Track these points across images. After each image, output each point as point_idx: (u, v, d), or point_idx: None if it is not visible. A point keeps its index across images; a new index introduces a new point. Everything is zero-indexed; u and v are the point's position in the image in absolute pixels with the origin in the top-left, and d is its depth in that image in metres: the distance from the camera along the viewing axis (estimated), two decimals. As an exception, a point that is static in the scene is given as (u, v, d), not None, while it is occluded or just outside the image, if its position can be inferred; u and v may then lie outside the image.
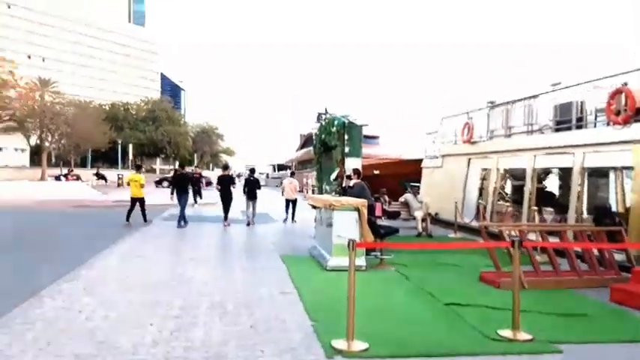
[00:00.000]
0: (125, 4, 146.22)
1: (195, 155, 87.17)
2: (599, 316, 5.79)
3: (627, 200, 10.80)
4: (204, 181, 17.77)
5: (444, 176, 16.52)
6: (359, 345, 4.41)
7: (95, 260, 8.40)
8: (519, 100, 13.01)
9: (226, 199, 14.58)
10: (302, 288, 6.63)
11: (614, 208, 11.68)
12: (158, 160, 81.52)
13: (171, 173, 20.26)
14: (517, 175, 14.46)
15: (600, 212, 10.92)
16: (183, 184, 14.27)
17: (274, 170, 77.17)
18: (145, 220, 14.16)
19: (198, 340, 4.55)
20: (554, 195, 14.80)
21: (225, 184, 14.72)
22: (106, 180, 43.71)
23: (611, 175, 11.73)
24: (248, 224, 14.45)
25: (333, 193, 10.66)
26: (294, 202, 16.21)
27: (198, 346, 4.40)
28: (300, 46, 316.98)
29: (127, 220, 13.86)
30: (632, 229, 8.72)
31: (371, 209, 8.57)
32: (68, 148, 48.48)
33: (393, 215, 12.92)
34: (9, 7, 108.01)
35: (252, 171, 16.78)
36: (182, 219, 13.76)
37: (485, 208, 12.94)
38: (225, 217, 14.42)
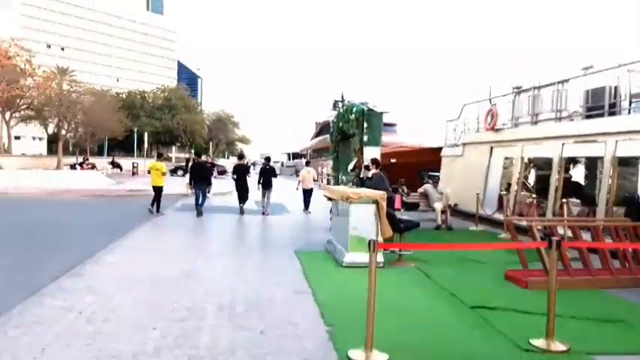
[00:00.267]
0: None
1: (211, 143, 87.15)
2: (639, 323, 5.28)
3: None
4: (216, 170, 17.10)
5: (465, 165, 15.93)
6: (379, 356, 4.00)
7: (102, 254, 8.11)
8: (547, 86, 12.33)
9: (242, 189, 14.40)
10: (317, 287, 6.23)
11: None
12: (174, 149, 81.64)
13: (185, 162, 19.75)
14: (542, 165, 13.84)
15: (632, 205, 10.28)
16: (201, 174, 14.01)
17: (289, 159, 76.91)
18: (158, 210, 13.87)
19: (204, 348, 4.18)
20: (581, 185, 14.16)
21: (241, 173, 14.56)
22: (121, 168, 43.81)
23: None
24: (263, 214, 14.31)
25: (350, 184, 10.21)
26: (310, 191, 16.10)
27: (203, 355, 4.03)
28: (318, 37, 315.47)
29: (157, 210, 13.71)
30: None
31: (390, 201, 8.12)
32: (84, 136, 48.65)
33: (412, 207, 12.44)
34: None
35: (268, 159, 16.57)
36: (199, 207, 13.57)
37: (508, 199, 12.34)
38: (242, 208, 14.36)
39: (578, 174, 14.94)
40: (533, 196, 12.05)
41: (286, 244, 9.77)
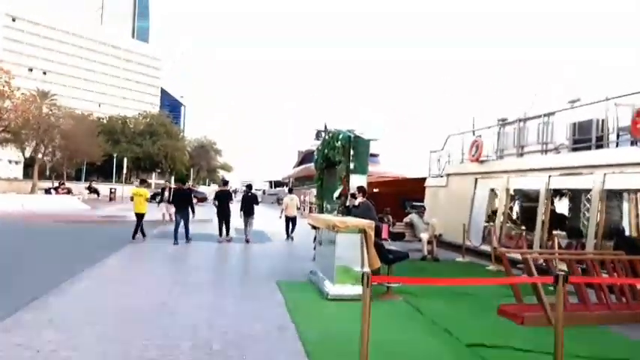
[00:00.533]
0: (130, 20, 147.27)
1: (192, 170, 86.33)
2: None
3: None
4: (193, 197, 16.55)
5: (449, 196, 15.75)
6: (372, 405, 3.58)
7: (68, 284, 7.53)
8: (533, 118, 12.30)
9: (224, 215, 14.33)
10: (301, 323, 5.78)
11: (634, 233, 10.94)
12: (154, 175, 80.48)
13: (161, 190, 19.11)
14: (528, 197, 13.71)
15: (620, 237, 10.12)
16: (184, 201, 13.84)
17: (271, 187, 76.41)
18: (134, 237, 13.40)
19: (175, 394, 3.71)
20: (565, 217, 14.05)
21: (224, 199, 14.49)
22: (98, 194, 42.76)
23: (633, 198, 10.98)
24: (247, 241, 14.17)
25: (335, 212, 9.85)
26: (294, 219, 16.02)
27: (173, 403, 3.56)
28: (299, 62, 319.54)
29: (143, 235, 13.61)
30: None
31: (377, 231, 7.76)
32: (61, 160, 47.57)
33: (398, 237, 12.10)
34: (13, 20, 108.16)
35: (250, 187, 16.35)
36: (184, 235, 13.51)
37: (495, 230, 12.10)
38: (224, 233, 14.41)
39: (561, 206, 14.86)
40: (522, 228, 11.82)
41: (268, 274, 9.30)
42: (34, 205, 23.75)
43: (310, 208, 28.40)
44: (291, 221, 15.93)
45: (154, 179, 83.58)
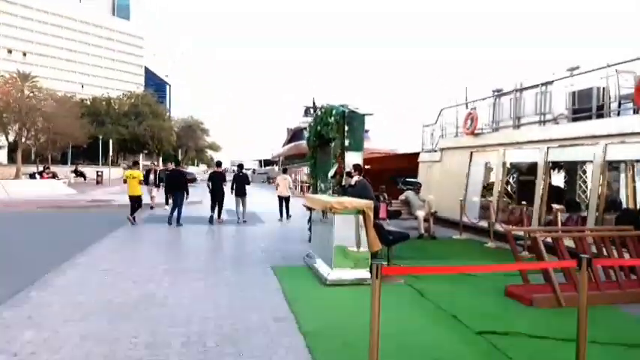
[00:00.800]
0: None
1: (180, 150, 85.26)
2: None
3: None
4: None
5: (443, 171, 15.45)
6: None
7: (51, 276, 7.12)
8: (530, 88, 11.91)
9: (218, 197, 14.31)
10: (300, 311, 5.45)
11: (634, 206, 10.72)
12: (141, 156, 79.30)
13: (146, 172, 18.63)
14: (526, 169, 13.42)
15: (625, 212, 9.88)
16: (178, 183, 13.82)
17: (260, 166, 75.76)
18: (134, 220, 13.44)
19: (166, 402, 3.36)
20: (562, 190, 13.83)
21: (217, 180, 14.45)
22: (85, 177, 41.96)
23: (633, 169, 10.72)
24: (238, 221, 14.19)
25: (329, 192, 9.47)
26: (287, 199, 15.93)
27: (164, 412, 3.21)
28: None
29: (132, 217, 13.39)
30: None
31: (375, 211, 7.41)
32: (45, 144, 46.43)
33: (394, 215, 11.78)
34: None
35: (241, 167, 16.29)
36: (176, 218, 13.35)
37: (493, 206, 11.83)
38: (219, 215, 14.35)
39: (556, 179, 14.60)
40: (523, 202, 11.55)
41: (262, 258, 8.96)
42: (17, 191, 23.06)
43: (302, 187, 28.01)
44: (284, 201, 15.87)
45: (141, 160, 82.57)
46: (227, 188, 14.77)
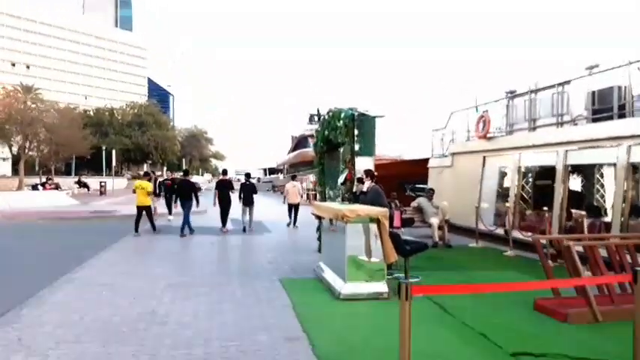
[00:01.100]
0: (112, 9, 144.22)
1: (184, 160, 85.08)
2: None
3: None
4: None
5: (455, 177, 14.94)
6: None
7: (47, 292, 6.68)
8: (546, 88, 11.44)
9: (225, 204, 14.22)
10: (313, 331, 4.97)
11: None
12: (145, 166, 79.10)
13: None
14: (542, 173, 12.91)
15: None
16: (187, 192, 13.81)
17: (265, 174, 75.41)
18: (154, 229, 13.64)
19: None
20: (581, 194, 13.29)
21: (224, 189, 14.36)
22: (88, 188, 41.56)
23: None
24: (244, 230, 14.10)
25: (339, 199, 9.01)
26: (297, 206, 15.91)
27: None
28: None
29: (136, 230, 13.12)
30: None
31: (389, 219, 6.94)
32: (48, 155, 46.21)
33: (407, 223, 11.29)
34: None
35: (248, 175, 16.14)
36: (186, 227, 13.33)
37: (510, 212, 11.32)
38: (224, 224, 14.16)
39: (573, 182, 14.07)
40: (542, 208, 11.03)
41: (269, 269, 8.49)
42: (19, 203, 22.70)
43: (308, 194, 27.55)
44: (293, 208, 15.84)
45: (145, 170, 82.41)
46: (234, 196, 14.62)
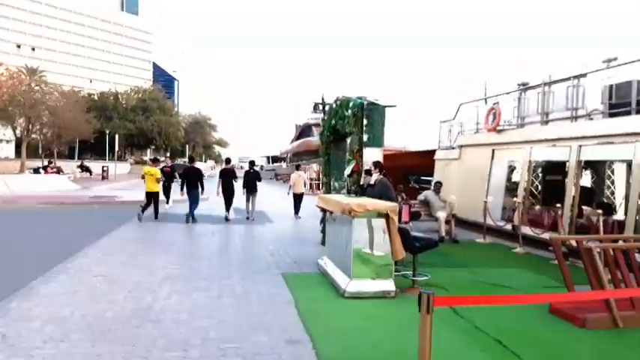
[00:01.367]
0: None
1: (187, 146, 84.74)
2: None
3: None
4: (177, 174, 15.59)
5: (462, 170, 14.58)
6: None
7: (38, 283, 6.41)
8: (561, 81, 11.04)
9: (228, 193, 14.16)
10: (316, 332, 4.69)
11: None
12: (148, 152, 78.79)
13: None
14: (552, 168, 12.55)
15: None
16: (193, 179, 13.64)
17: (268, 162, 75.08)
18: (157, 216, 13.60)
19: None
20: (592, 191, 12.95)
21: (228, 177, 14.27)
22: (90, 172, 41.33)
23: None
24: (247, 218, 14.18)
25: (344, 192, 8.69)
26: (301, 196, 15.85)
27: None
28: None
29: (141, 215, 13.10)
30: None
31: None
32: (50, 138, 45.93)
33: (414, 216, 10.95)
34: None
35: (252, 163, 16.14)
36: (190, 216, 13.32)
37: (520, 208, 10.98)
38: (228, 211, 14.15)
39: (585, 178, 13.72)
40: (552, 204, 10.69)
41: (271, 262, 8.21)
42: (19, 186, 22.48)
43: (311, 184, 27.22)
44: (298, 198, 15.77)
45: (148, 156, 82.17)
46: (237, 185, 14.49)
